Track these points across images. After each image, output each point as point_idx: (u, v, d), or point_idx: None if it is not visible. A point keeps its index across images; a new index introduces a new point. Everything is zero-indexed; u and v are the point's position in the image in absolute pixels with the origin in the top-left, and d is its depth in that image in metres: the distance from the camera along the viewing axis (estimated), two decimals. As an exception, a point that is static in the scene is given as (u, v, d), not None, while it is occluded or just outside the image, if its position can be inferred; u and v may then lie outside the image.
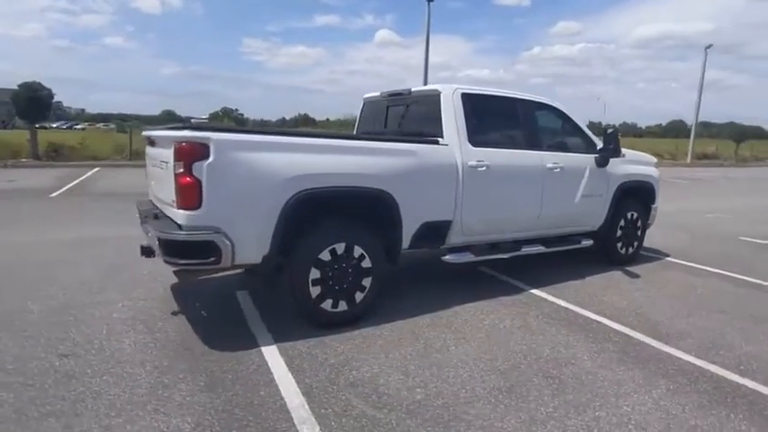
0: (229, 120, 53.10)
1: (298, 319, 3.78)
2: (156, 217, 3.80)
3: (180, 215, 3.16)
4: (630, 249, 5.88)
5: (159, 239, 3.21)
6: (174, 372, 3.02)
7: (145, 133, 4.15)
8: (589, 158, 5.21)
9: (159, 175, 3.59)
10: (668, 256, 6.39)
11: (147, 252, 4.08)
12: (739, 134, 37.50)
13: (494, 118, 4.65)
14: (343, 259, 3.66)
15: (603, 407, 2.79)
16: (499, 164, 4.41)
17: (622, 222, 5.69)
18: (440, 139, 4.18)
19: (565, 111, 5.21)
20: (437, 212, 4.13)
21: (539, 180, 4.77)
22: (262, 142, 3.34)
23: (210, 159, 3.09)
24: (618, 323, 4.02)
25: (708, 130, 70.63)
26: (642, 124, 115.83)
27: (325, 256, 3.59)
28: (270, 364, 3.15)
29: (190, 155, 3.07)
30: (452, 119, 4.24)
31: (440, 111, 4.27)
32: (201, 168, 3.07)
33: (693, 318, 4.22)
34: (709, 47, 28.30)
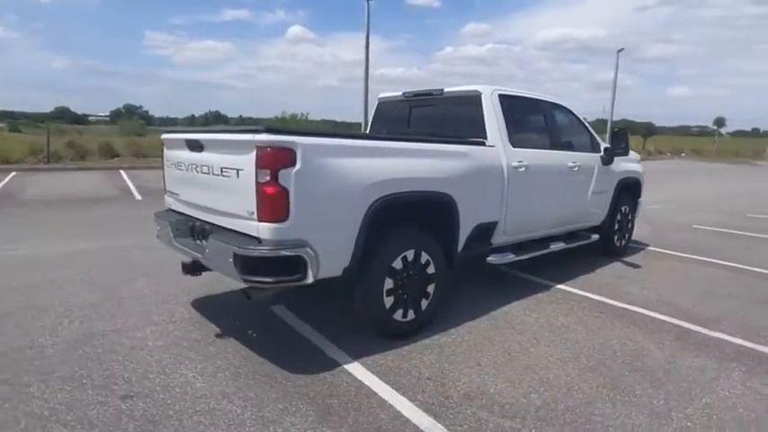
0: (135, 118, 49.22)
1: (357, 332, 3.58)
2: (200, 230, 3.40)
3: (263, 228, 2.84)
4: (623, 241, 6.28)
5: (237, 256, 2.86)
6: (268, 403, 2.71)
7: (179, 136, 3.68)
8: (596, 157, 5.47)
9: (213, 183, 3.18)
10: (648, 245, 6.91)
11: (191, 269, 3.66)
12: (632, 130, 41.59)
13: (525, 119, 4.72)
14: (411, 266, 3.52)
15: (705, 394, 2.93)
16: (535, 164, 4.48)
17: (618, 216, 6.05)
18: (486, 141, 4.16)
19: (574, 111, 5.42)
20: (488, 214, 4.11)
21: (564, 179, 4.93)
22: (344, 146, 3.11)
23: (298, 167, 2.81)
24: (656, 312, 4.25)
25: (606, 126, 77.47)
26: None
27: (397, 264, 3.42)
28: (368, 384, 2.94)
29: (276, 162, 2.77)
30: (494, 120, 4.23)
31: (482, 112, 4.25)
32: (289, 176, 2.78)
33: (712, 303, 4.57)
34: (620, 50, 31.15)
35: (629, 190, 6.17)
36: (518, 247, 4.68)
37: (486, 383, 2.99)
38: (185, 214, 3.66)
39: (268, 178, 2.77)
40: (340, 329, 3.66)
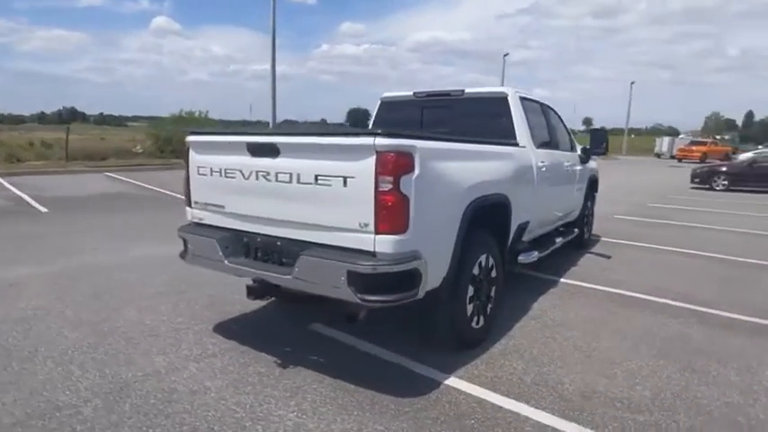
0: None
1: (423, 344, 3.43)
2: (272, 248, 2.98)
3: (382, 241, 2.56)
4: (588, 234, 6.84)
5: (354, 274, 2.55)
6: (403, 433, 2.47)
7: (229, 138, 3.16)
8: (577, 156, 5.87)
9: (298, 192, 2.79)
10: (600, 236, 7.61)
11: (259, 293, 3.18)
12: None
13: (536, 120, 4.88)
14: (484, 271, 3.45)
15: (765, 367, 3.29)
16: (551, 164, 4.67)
17: (586, 210, 6.57)
18: (518, 142, 4.23)
19: (557, 112, 5.76)
20: (525, 214, 4.18)
21: (564, 177, 5.21)
22: (449, 150, 2.94)
23: (417, 172, 2.59)
24: (662, 298, 4.66)
25: None
26: None
27: (475, 270, 3.33)
28: (486, 398, 2.82)
29: (398, 168, 2.52)
30: (522, 121, 4.33)
31: (510, 113, 4.31)
32: (410, 183, 2.55)
33: (698, 285, 5.13)
34: (506, 55, 33.95)
35: (592, 186, 6.73)
36: (534, 244, 4.83)
37: (588, 381, 3.04)
38: (239, 230, 3.16)
39: (390, 186, 2.51)
40: (405, 344, 3.46)
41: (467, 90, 4.57)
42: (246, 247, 3.12)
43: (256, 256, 3.11)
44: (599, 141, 5.83)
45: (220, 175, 3.17)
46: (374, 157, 2.51)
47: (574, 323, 4.01)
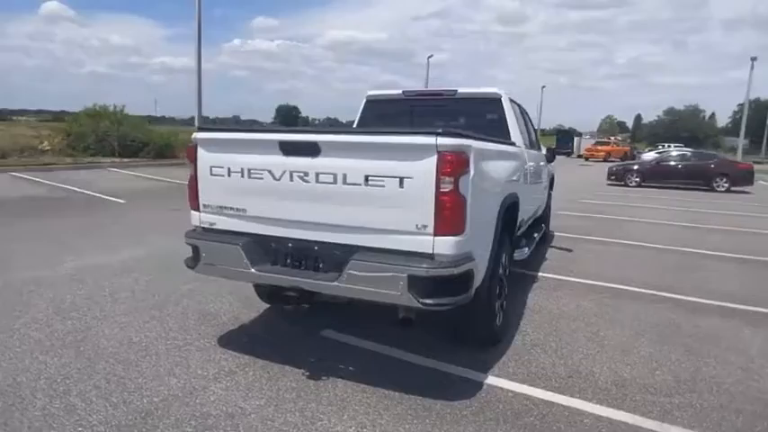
0: None
1: (446, 343, 3.44)
2: (310, 252, 2.79)
3: (441, 243, 2.49)
4: (547, 228, 7.19)
5: (415, 278, 2.45)
6: (472, 438, 2.42)
7: (257, 136, 2.89)
8: (543, 155, 6.14)
9: (342, 193, 2.62)
10: (553, 231, 8.03)
11: (294, 301, 2.96)
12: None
13: (521, 121, 5.02)
14: (504, 269, 3.50)
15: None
16: (534, 163, 4.84)
17: (548, 207, 6.91)
18: (514, 142, 4.32)
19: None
20: (522, 211, 4.29)
21: (539, 175, 5.42)
22: (490, 150, 2.93)
23: (472, 172, 2.55)
24: (638, 287, 4.99)
25: None
26: (344, 119, 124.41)
27: (500, 268, 3.36)
28: (534, 395, 2.85)
29: (458, 168, 2.46)
30: (514, 122, 4.44)
31: (504, 114, 4.40)
32: (467, 184, 2.51)
33: (658, 273, 5.59)
34: (430, 57, 34.95)
35: (551, 184, 7.09)
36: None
37: (614, 369, 3.19)
38: (264, 235, 2.91)
39: (451, 187, 2.44)
40: (424, 346, 3.41)
41: (459, 90, 4.59)
42: (275, 253, 2.89)
43: (285, 263, 2.88)
44: (566, 142, 6.15)
45: (242, 176, 2.89)
46: (435, 156, 2.43)
47: (573, 314, 4.19)
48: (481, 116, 4.51)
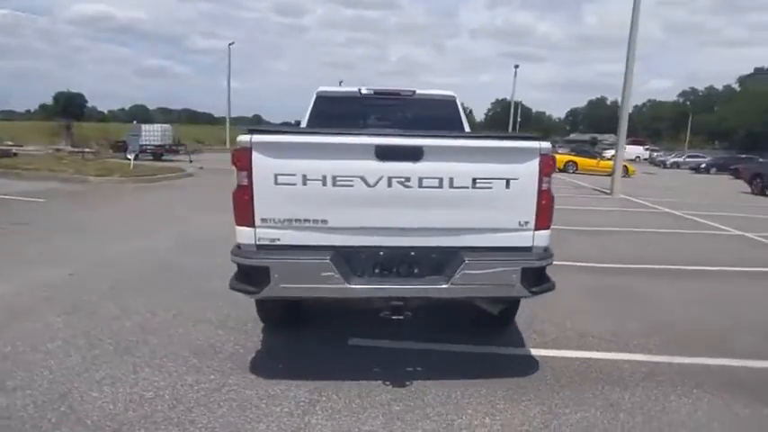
0: None
1: (462, 331, 3.70)
2: (388, 261, 2.72)
3: (540, 237, 2.76)
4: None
5: (527, 270, 2.67)
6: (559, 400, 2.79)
7: (339, 139, 2.53)
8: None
9: (446, 197, 2.61)
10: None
11: (396, 311, 2.77)
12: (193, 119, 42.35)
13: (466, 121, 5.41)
14: None
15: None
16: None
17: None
18: (468, 141, 4.75)
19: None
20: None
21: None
22: None
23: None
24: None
25: (166, 115, 75.11)
26: (104, 108, 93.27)
27: None
28: (579, 356, 3.36)
29: (551, 168, 2.74)
30: (466, 121, 4.87)
31: (459, 114, 4.78)
32: (551, 181, 2.82)
33: (613, 253, 6.68)
34: (231, 44, 33.02)
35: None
36: None
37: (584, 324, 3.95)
38: (349, 246, 2.67)
39: (547, 186, 2.72)
40: (456, 333, 3.63)
41: (418, 91, 4.77)
42: (362, 264, 2.70)
43: (373, 273, 2.72)
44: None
45: (323, 184, 2.60)
46: (538, 159, 2.67)
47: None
48: (439, 116, 4.76)
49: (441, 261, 2.72)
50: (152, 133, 19.94)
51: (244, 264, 2.65)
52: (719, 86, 73.48)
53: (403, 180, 2.62)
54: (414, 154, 2.62)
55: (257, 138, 2.60)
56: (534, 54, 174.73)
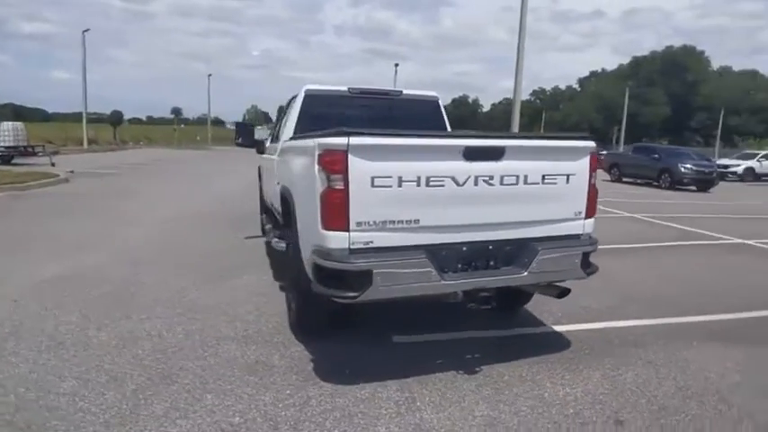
0: None
1: (481, 315, 3.77)
2: (469, 256, 2.89)
3: (588, 224, 3.13)
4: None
5: (586, 255, 3.06)
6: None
7: (435, 142, 2.59)
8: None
9: (522, 193, 2.87)
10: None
11: (482, 301, 2.90)
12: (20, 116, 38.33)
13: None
14: None
15: None
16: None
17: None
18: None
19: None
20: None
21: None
22: None
23: None
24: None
25: None
26: None
27: None
28: (603, 327, 3.82)
29: (597, 165, 3.13)
30: (447, 121, 5.14)
31: (442, 114, 5.03)
32: (595, 176, 3.20)
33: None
34: (86, 30, 29.57)
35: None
36: None
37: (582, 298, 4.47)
38: (437, 244, 2.75)
39: (594, 180, 3.11)
40: (483, 319, 3.86)
41: (404, 91, 4.91)
42: (446, 260, 2.80)
43: (457, 268, 2.85)
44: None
45: (417, 185, 2.64)
46: (589, 156, 3.04)
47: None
48: (424, 115, 4.94)
49: (513, 252, 2.95)
50: (3, 133, 16.80)
51: (345, 269, 2.58)
52: (563, 86, 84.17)
53: (487, 178, 2.79)
54: (497, 154, 2.80)
55: (355, 140, 2.55)
56: (398, 52, 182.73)
